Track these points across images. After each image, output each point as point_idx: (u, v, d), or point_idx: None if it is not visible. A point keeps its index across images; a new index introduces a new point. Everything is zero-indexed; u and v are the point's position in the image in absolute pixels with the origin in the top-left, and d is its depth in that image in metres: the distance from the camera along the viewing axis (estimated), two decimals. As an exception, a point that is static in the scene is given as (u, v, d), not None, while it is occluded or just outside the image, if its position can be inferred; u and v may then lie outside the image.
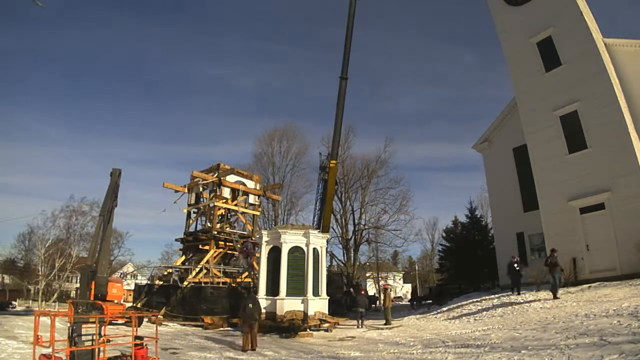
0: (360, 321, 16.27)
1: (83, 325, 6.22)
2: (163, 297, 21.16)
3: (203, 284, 20.69)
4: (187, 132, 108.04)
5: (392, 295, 30.70)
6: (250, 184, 27.11)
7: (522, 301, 12.89)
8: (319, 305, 16.36)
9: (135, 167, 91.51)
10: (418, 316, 16.42)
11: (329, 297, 17.55)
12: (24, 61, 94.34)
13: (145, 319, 16.51)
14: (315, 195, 28.36)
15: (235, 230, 25.96)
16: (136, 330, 7.15)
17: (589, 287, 12.67)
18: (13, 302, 30.20)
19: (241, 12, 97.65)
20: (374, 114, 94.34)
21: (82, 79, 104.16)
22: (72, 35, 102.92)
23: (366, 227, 36.80)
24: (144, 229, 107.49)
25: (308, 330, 14.16)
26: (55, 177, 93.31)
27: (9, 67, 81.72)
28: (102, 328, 6.29)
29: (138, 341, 6.79)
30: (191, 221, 26.40)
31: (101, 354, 6.36)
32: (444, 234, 32.10)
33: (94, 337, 6.04)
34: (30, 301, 34.17)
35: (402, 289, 56.23)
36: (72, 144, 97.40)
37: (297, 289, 16.01)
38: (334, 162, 25.86)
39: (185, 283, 20.88)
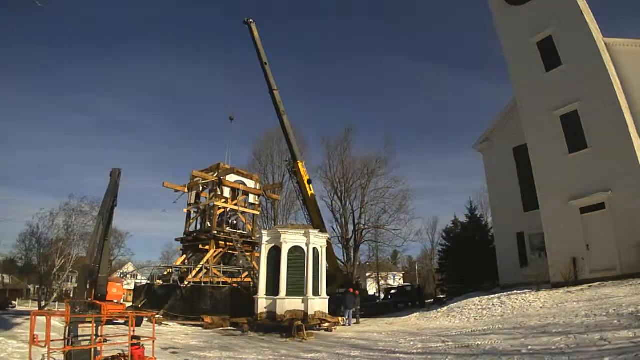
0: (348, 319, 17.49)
1: (81, 325, 6.20)
2: (163, 297, 21.16)
3: (203, 284, 20.68)
4: (187, 132, 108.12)
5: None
6: (250, 184, 27.12)
7: (522, 301, 12.87)
8: (319, 304, 16.36)
9: (135, 166, 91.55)
10: (418, 315, 16.41)
11: (329, 296, 17.57)
12: (23, 59, 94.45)
13: (145, 319, 16.50)
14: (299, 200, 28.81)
15: (235, 230, 25.93)
16: (134, 330, 7.14)
17: (589, 286, 12.64)
18: (13, 302, 30.22)
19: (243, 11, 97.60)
20: (374, 113, 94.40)
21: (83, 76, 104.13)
22: (71, 33, 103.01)
23: (366, 227, 36.77)
24: (144, 228, 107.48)
25: (308, 330, 14.13)
26: (56, 176, 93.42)
27: (8, 66, 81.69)
28: (99, 328, 6.27)
29: (135, 341, 6.78)
30: (191, 221, 26.40)
31: (98, 353, 6.35)
32: (443, 234, 32.02)
33: (91, 337, 6.02)
34: (30, 301, 34.18)
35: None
36: (73, 143, 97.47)
37: (297, 288, 16.00)
38: (299, 163, 26.72)
39: (185, 283, 20.87)
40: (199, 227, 26.19)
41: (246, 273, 23.92)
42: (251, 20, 27.98)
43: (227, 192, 25.55)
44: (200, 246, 24.67)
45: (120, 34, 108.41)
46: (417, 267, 58.07)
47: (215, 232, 23.82)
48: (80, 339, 6.02)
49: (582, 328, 8.00)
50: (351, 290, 19.23)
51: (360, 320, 18.62)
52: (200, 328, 17.08)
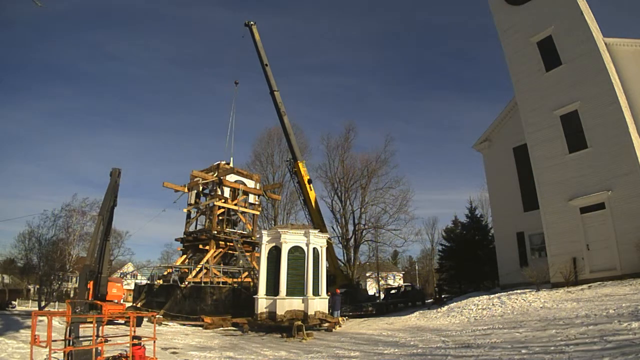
0: None
1: (82, 325, 6.20)
2: (163, 297, 21.19)
3: (203, 284, 20.69)
4: (187, 132, 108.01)
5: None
6: (250, 184, 27.14)
7: (522, 301, 12.87)
8: (319, 304, 16.36)
9: (135, 166, 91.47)
10: (418, 315, 16.40)
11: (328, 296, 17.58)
12: (23, 60, 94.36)
13: (145, 319, 16.52)
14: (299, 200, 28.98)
15: (235, 230, 25.95)
16: (134, 330, 7.14)
17: (589, 286, 12.65)
18: (13, 302, 30.12)
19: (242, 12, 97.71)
20: (374, 112, 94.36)
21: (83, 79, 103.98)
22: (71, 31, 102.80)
23: (366, 227, 36.73)
24: (143, 228, 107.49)
25: (308, 330, 14.14)
26: (56, 176, 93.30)
27: (9, 66, 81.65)
28: (100, 328, 6.27)
29: (136, 341, 6.78)
30: (191, 221, 26.42)
31: (100, 354, 6.34)
32: (444, 234, 32.08)
33: (92, 337, 6.02)
34: (30, 301, 34.11)
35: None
36: (72, 143, 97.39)
37: (297, 288, 16.02)
38: (299, 163, 26.89)
39: (185, 283, 20.89)
40: (199, 227, 26.22)
41: (246, 273, 23.93)
42: (252, 22, 28.04)
43: (227, 192, 25.58)
44: (200, 246, 24.68)
45: (120, 27, 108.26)
46: (417, 267, 58.08)
47: (215, 232, 23.83)
48: (81, 339, 6.02)
49: (582, 327, 8.00)
50: (338, 291, 19.33)
51: (361, 320, 18.64)
52: (200, 328, 17.08)
